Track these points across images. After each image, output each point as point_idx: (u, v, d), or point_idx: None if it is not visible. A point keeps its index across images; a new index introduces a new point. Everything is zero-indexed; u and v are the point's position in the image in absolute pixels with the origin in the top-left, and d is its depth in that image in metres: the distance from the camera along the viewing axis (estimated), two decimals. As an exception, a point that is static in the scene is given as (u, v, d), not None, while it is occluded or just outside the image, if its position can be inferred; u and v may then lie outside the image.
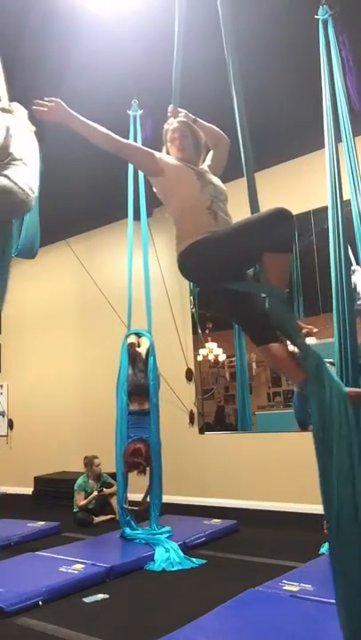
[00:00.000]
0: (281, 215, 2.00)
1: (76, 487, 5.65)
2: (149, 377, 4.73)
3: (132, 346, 4.84)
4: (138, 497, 4.74)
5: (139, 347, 4.90)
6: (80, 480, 5.69)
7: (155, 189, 2.35)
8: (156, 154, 2.31)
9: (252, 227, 2.08)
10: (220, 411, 6.11)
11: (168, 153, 2.40)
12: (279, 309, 2.02)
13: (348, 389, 1.94)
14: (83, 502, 5.54)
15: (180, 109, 2.51)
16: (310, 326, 2.17)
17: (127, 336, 4.86)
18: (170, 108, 2.55)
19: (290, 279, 5.24)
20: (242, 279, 2.19)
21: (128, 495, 4.69)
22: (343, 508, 1.79)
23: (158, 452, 4.61)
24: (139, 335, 4.91)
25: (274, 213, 2.01)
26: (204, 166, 2.40)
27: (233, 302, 2.26)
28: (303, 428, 5.24)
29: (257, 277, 2.21)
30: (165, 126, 2.47)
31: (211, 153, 2.47)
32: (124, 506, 4.60)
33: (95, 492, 5.55)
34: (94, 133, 2.40)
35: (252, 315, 2.20)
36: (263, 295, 2.09)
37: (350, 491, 1.79)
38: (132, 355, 4.85)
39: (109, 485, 5.62)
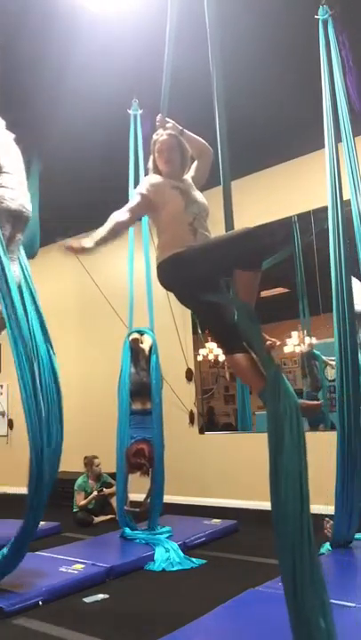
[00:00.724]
0: (248, 236, 2.17)
1: (75, 487, 5.65)
2: (152, 376, 4.70)
3: (135, 341, 4.78)
4: (138, 497, 4.74)
5: (142, 343, 4.85)
6: (80, 480, 5.69)
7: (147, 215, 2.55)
8: (143, 192, 2.47)
9: (222, 245, 2.26)
10: (211, 410, 6.11)
11: (155, 162, 2.55)
12: (245, 322, 2.19)
13: (300, 401, 2.12)
14: (82, 502, 5.54)
15: (167, 120, 2.61)
16: (274, 339, 2.29)
17: (129, 334, 4.82)
18: (158, 117, 2.65)
19: (293, 279, 5.28)
20: (215, 291, 2.34)
21: (129, 495, 4.68)
22: (289, 504, 1.95)
23: (161, 452, 4.57)
24: (141, 333, 4.86)
25: (242, 234, 2.19)
26: (188, 177, 2.54)
27: (206, 312, 2.46)
28: (314, 428, 5.23)
29: (229, 288, 2.38)
30: (154, 137, 2.59)
31: (195, 163, 2.60)
32: (125, 508, 4.57)
33: (95, 492, 5.55)
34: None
35: (221, 325, 2.35)
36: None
37: (298, 490, 1.95)
38: (135, 352, 4.79)
39: (109, 485, 5.63)
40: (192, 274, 2.33)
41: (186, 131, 2.56)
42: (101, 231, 2.36)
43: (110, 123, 4.62)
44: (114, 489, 5.39)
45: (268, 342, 2.26)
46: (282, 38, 3.71)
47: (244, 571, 3.73)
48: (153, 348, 4.76)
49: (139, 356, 4.82)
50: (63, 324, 7.35)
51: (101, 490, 5.56)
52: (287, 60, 3.92)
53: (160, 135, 2.56)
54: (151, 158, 2.59)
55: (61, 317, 7.37)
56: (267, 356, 2.17)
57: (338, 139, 3.58)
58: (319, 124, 3.57)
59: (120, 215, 2.43)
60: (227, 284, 2.40)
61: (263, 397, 2.16)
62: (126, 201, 5.02)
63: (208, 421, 6.05)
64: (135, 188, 4.86)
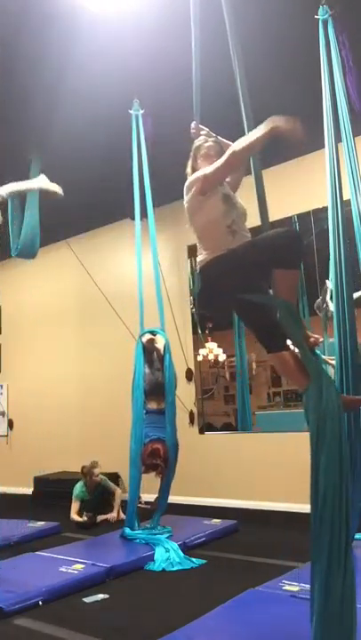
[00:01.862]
0: (288, 235, 2.28)
1: (73, 496, 5.51)
2: (166, 375, 4.71)
3: (150, 342, 4.80)
4: (147, 497, 4.73)
5: (156, 343, 4.85)
6: (78, 489, 5.54)
7: (185, 200, 2.49)
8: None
9: (263, 245, 2.31)
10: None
11: (194, 167, 2.58)
12: (288, 320, 2.23)
13: (343, 396, 2.19)
14: (77, 518, 5.40)
15: (202, 127, 2.71)
16: (317, 336, 2.33)
17: (141, 335, 4.83)
18: (193, 125, 2.74)
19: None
20: (257, 291, 2.37)
21: (141, 496, 4.66)
22: (327, 501, 1.97)
23: (174, 451, 4.59)
24: (153, 333, 4.87)
25: (281, 233, 2.28)
26: (225, 182, 2.56)
27: (248, 312, 2.50)
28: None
29: (271, 289, 2.40)
30: (196, 142, 2.65)
31: None
32: (139, 504, 4.55)
33: (85, 518, 5.38)
34: (252, 151, 2.46)
35: (264, 324, 2.40)
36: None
37: (338, 491, 1.96)
38: (150, 352, 4.81)
39: (109, 490, 5.56)
40: (234, 276, 2.36)
41: (219, 137, 2.64)
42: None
43: (111, 123, 4.62)
44: (117, 492, 5.41)
45: (312, 339, 2.29)
46: (282, 38, 3.71)
47: (244, 571, 3.73)
48: (166, 348, 4.78)
49: (153, 356, 4.82)
50: (63, 324, 7.36)
51: (94, 518, 5.39)
52: (287, 60, 3.92)
53: (204, 141, 2.61)
54: (190, 163, 2.62)
55: (61, 317, 7.38)
56: (309, 353, 2.21)
57: (338, 139, 3.58)
58: (319, 124, 3.56)
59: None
60: (268, 285, 2.42)
61: (306, 395, 2.18)
62: (126, 201, 5.06)
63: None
64: (138, 188, 4.90)
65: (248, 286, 2.34)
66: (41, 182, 3.83)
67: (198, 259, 2.48)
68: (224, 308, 2.74)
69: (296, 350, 2.31)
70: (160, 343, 4.83)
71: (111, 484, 5.63)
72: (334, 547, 1.94)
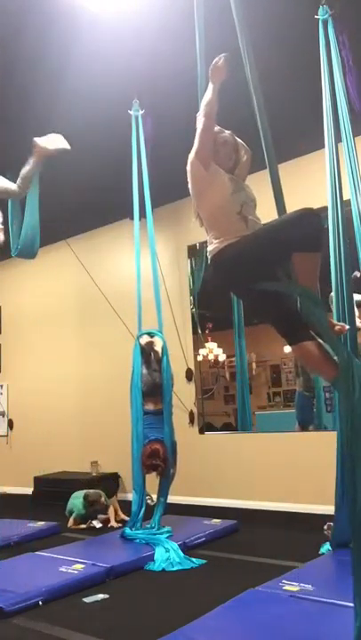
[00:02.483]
0: (305, 215, 2.09)
1: (70, 512, 5.43)
2: (163, 376, 4.72)
3: (149, 344, 4.80)
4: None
5: (152, 343, 4.85)
6: (78, 507, 5.40)
7: (190, 184, 2.41)
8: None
9: (278, 228, 2.18)
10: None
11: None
12: (310, 308, 2.08)
13: None
14: (74, 527, 5.35)
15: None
16: (342, 324, 2.20)
17: (139, 336, 4.83)
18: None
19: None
20: (274, 279, 2.23)
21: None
22: None
23: (172, 451, 4.60)
24: (151, 335, 4.88)
25: (298, 214, 2.10)
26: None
27: (265, 303, 2.30)
28: (304, 428, 5.25)
29: (289, 276, 2.26)
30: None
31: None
32: (147, 501, 4.56)
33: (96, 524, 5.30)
34: (213, 107, 2.39)
35: (284, 314, 2.24)
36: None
37: None
38: (148, 353, 4.81)
39: (103, 507, 5.47)
40: (248, 264, 2.23)
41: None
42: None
43: (110, 123, 4.62)
44: (111, 508, 5.38)
45: (337, 327, 2.18)
46: (282, 38, 3.71)
47: (244, 571, 3.73)
48: (163, 350, 4.79)
49: (150, 358, 4.82)
50: (63, 324, 7.36)
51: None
52: (287, 60, 3.92)
53: (220, 131, 2.53)
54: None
55: (61, 317, 7.38)
56: (337, 342, 2.08)
57: (338, 139, 3.58)
58: (319, 124, 3.57)
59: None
60: (286, 272, 2.28)
61: (337, 386, 2.06)
62: (127, 201, 5.07)
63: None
64: (137, 188, 4.90)
65: (264, 274, 2.22)
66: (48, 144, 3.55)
67: (209, 248, 2.33)
68: (240, 297, 2.59)
69: (320, 340, 2.17)
70: (158, 345, 4.84)
71: (105, 500, 5.47)
72: None
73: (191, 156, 2.35)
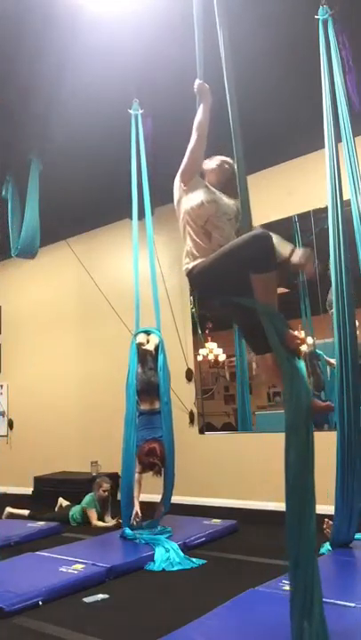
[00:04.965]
0: (256, 238, 2.19)
1: (85, 505, 5.42)
2: (160, 375, 4.69)
3: (139, 345, 4.75)
4: (148, 498, 4.71)
5: (147, 343, 4.79)
6: (89, 498, 5.45)
7: (174, 196, 2.60)
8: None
9: (231, 253, 2.27)
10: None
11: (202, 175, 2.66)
12: (265, 324, 2.24)
13: (314, 400, 2.28)
14: (101, 524, 5.30)
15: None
16: (302, 337, 2.43)
17: (135, 335, 4.81)
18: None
19: (293, 279, 5.27)
20: (239, 295, 2.36)
21: (140, 494, 4.59)
22: (296, 492, 2.27)
23: (171, 451, 4.57)
24: (147, 333, 4.84)
25: (250, 237, 2.22)
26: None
27: (236, 315, 2.53)
28: (317, 427, 5.22)
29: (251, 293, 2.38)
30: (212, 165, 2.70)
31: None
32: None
33: (113, 522, 5.29)
34: (206, 118, 2.58)
35: (251, 326, 2.39)
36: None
37: (304, 481, 2.17)
38: (142, 354, 4.77)
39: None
40: (212, 283, 2.41)
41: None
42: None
43: (110, 123, 4.62)
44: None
45: (297, 340, 2.28)
46: (282, 38, 3.71)
47: (244, 571, 3.73)
48: (160, 348, 4.75)
49: (146, 356, 4.78)
50: (63, 323, 7.36)
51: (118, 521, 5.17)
52: (287, 60, 3.92)
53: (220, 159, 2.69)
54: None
55: (61, 317, 7.38)
56: (284, 355, 2.21)
57: (338, 139, 3.58)
58: (319, 124, 3.57)
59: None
60: (249, 289, 2.41)
61: (283, 394, 2.25)
62: (126, 201, 5.06)
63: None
64: (137, 188, 4.90)
65: (229, 291, 2.39)
66: None
67: (183, 264, 2.53)
68: (218, 310, 2.81)
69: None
70: (152, 341, 4.79)
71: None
72: (303, 542, 2.14)
73: (178, 172, 2.56)
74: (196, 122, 2.53)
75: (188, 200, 2.50)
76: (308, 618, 2.01)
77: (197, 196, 2.48)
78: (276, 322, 2.24)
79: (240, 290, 2.33)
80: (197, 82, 2.60)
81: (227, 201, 2.54)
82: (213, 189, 2.55)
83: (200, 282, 2.45)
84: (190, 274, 2.46)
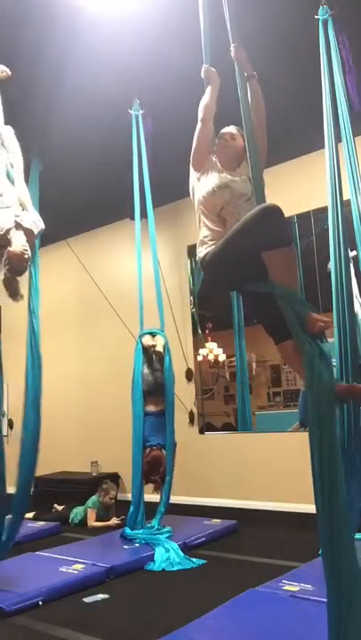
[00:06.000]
0: (266, 212, 2.02)
1: (90, 505, 5.38)
2: (165, 376, 4.70)
3: (150, 347, 4.77)
4: (149, 498, 4.72)
5: (155, 346, 4.82)
6: (94, 499, 5.41)
7: (190, 183, 2.53)
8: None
9: (241, 231, 2.11)
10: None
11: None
12: (284, 306, 2.02)
13: (338, 384, 1.98)
14: (98, 524, 5.25)
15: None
16: (326, 319, 2.05)
17: (141, 336, 4.82)
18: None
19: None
20: (255, 280, 2.16)
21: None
22: (333, 512, 1.88)
23: (173, 451, 4.59)
24: (153, 334, 4.86)
25: (258, 212, 2.05)
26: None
27: (255, 304, 2.40)
28: (306, 427, 5.25)
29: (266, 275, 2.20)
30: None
31: None
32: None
33: (117, 521, 5.21)
34: (212, 101, 2.53)
35: (270, 313, 2.21)
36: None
37: (330, 473, 1.86)
38: (150, 355, 4.79)
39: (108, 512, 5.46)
40: (226, 268, 2.26)
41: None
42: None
43: (110, 123, 4.62)
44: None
45: (320, 323, 2.02)
46: (282, 38, 3.71)
47: (244, 571, 3.73)
48: (165, 349, 4.77)
49: (152, 357, 4.80)
50: (63, 324, 7.36)
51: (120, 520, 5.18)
52: (287, 60, 3.92)
53: (228, 133, 2.60)
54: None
55: (61, 317, 7.38)
56: (303, 338, 1.95)
57: (338, 139, 3.58)
58: (319, 124, 3.56)
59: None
60: (265, 271, 2.19)
61: (305, 382, 1.99)
62: (126, 201, 5.05)
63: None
64: (138, 188, 4.90)
65: (244, 276, 2.21)
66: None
67: (197, 252, 2.43)
68: (241, 296, 2.64)
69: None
70: (159, 343, 4.82)
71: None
72: (335, 537, 1.89)
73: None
74: (201, 104, 2.45)
75: (200, 188, 2.42)
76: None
77: (209, 183, 2.39)
78: (295, 305, 2.00)
79: (254, 273, 2.13)
80: (204, 66, 2.54)
81: (240, 180, 2.40)
82: (225, 173, 2.43)
83: (212, 268, 2.31)
84: (203, 261, 2.35)
